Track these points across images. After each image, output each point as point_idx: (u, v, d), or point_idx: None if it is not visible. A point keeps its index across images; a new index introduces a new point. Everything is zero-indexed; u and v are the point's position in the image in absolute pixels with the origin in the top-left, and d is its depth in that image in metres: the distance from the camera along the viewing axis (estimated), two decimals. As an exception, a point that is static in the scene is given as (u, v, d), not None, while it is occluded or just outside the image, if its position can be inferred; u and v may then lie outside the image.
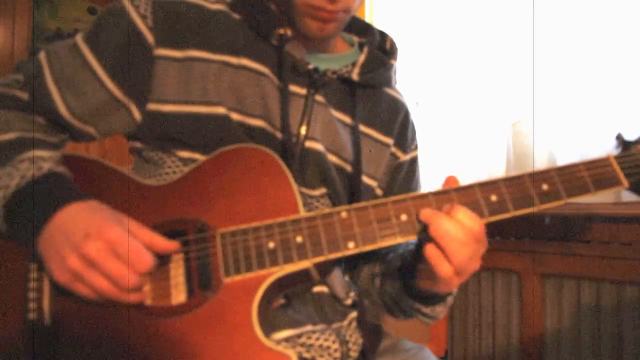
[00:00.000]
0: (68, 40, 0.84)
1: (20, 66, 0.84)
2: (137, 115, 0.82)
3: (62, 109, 0.81)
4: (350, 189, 0.88)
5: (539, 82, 1.85)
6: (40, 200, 0.70)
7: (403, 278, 0.83)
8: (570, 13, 1.78)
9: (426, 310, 0.84)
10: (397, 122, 0.96)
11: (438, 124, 2.14)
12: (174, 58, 0.80)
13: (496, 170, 1.94)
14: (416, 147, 1.01)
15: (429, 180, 2.06)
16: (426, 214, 0.71)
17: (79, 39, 0.83)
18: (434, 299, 0.81)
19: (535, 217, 1.83)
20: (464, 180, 0.75)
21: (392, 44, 0.97)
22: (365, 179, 0.90)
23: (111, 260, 0.65)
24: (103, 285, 0.65)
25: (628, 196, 1.63)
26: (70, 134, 0.86)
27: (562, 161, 1.53)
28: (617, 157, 0.76)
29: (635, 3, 1.63)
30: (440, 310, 0.84)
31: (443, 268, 0.69)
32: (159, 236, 0.70)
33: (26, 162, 0.72)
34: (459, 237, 0.68)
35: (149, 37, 0.80)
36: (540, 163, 1.82)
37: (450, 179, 0.75)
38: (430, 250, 0.70)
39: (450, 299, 0.84)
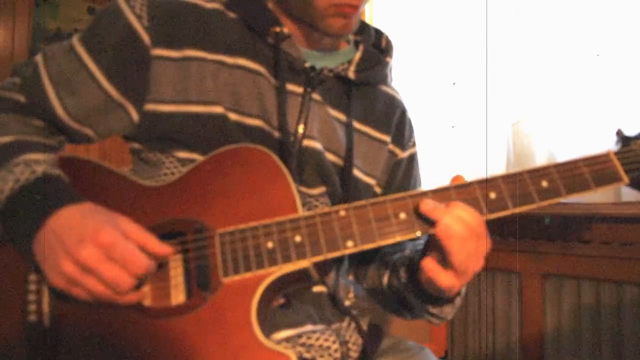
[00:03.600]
0: (65, 41, 0.84)
1: (18, 69, 0.84)
2: (134, 115, 0.82)
3: (60, 111, 0.81)
4: (342, 185, 0.87)
5: (539, 82, 1.85)
6: (35, 203, 0.69)
7: (410, 280, 0.83)
8: (570, 13, 1.77)
9: (434, 310, 0.83)
10: (393, 120, 0.96)
11: (438, 124, 2.14)
12: (171, 58, 0.80)
13: (496, 170, 1.93)
14: (414, 144, 1.00)
15: (430, 180, 2.06)
16: (427, 205, 0.71)
17: (75, 40, 0.83)
18: (442, 300, 0.80)
19: (535, 217, 1.83)
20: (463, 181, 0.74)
21: (388, 42, 0.97)
22: (362, 177, 0.90)
23: (105, 264, 0.64)
24: (99, 289, 0.65)
25: (628, 196, 1.62)
26: (68, 136, 0.85)
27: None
28: (617, 153, 0.75)
29: (634, 2, 1.63)
30: (449, 312, 0.84)
31: (442, 279, 0.70)
32: (153, 238, 0.69)
33: (21, 166, 0.72)
34: (460, 234, 0.68)
35: (145, 38, 0.80)
36: (541, 163, 1.81)
37: (457, 178, 0.75)
38: (427, 263, 0.70)
39: (458, 300, 0.83)
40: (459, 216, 0.69)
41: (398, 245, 0.87)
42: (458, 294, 0.81)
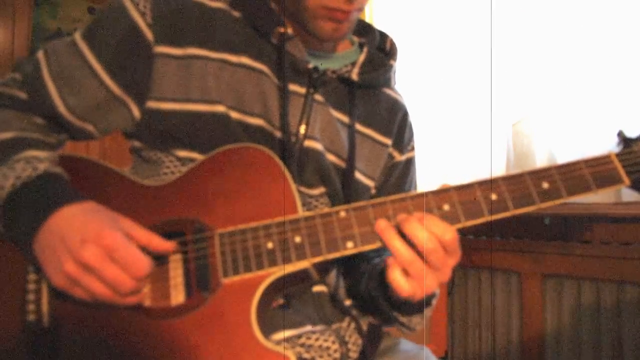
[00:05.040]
0: (67, 37, 0.84)
1: (19, 65, 0.84)
2: (136, 113, 0.82)
3: (61, 107, 0.81)
4: (343, 186, 0.87)
5: (540, 82, 1.85)
6: (35, 202, 0.69)
7: (381, 286, 0.82)
8: (570, 13, 1.77)
9: (403, 319, 0.83)
10: (395, 123, 0.95)
11: (438, 124, 2.14)
12: (174, 56, 0.80)
13: (496, 170, 1.94)
14: (413, 148, 1.00)
15: (429, 181, 2.06)
16: (399, 218, 0.70)
17: (77, 36, 0.83)
18: (410, 308, 0.80)
19: (535, 218, 1.83)
20: (464, 181, 0.74)
21: (392, 45, 0.97)
22: (363, 179, 0.90)
23: (108, 265, 0.64)
24: (100, 290, 0.65)
25: (628, 196, 1.62)
26: (70, 133, 0.85)
27: (562, 161, 1.53)
28: (618, 155, 0.75)
29: (634, 2, 1.63)
30: (418, 322, 0.83)
31: (403, 285, 0.68)
32: (156, 236, 0.69)
33: (22, 163, 0.72)
34: (425, 245, 0.67)
35: (148, 35, 0.80)
36: (541, 163, 1.82)
37: (444, 187, 0.74)
38: (389, 262, 0.69)
39: (429, 311, 0.83)
40: (429, 229, 0.68)
41: (381, 250, 0.86)
42: (428, 304, 0.81)
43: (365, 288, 0.86)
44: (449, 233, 0.68)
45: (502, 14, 1.97)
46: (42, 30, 2.67)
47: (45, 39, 2.64)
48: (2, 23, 2.59)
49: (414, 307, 0.79)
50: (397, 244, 0.68)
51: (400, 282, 0.68)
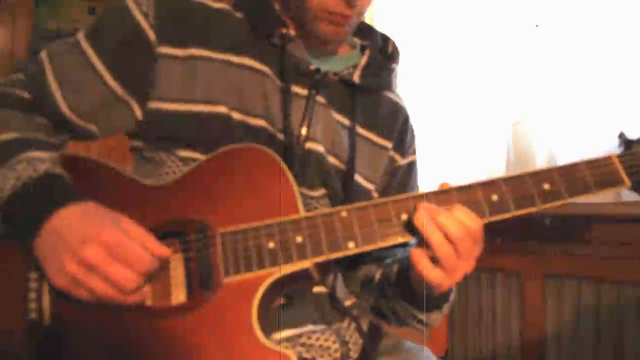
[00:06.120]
0: (69, 38, 0.84)
1: (21, 66, 0.84)
2: (138, 113, 0.82)
3: (64, 107, 0.81)
4: (343, 189, 0.87)
5: (540, 82, 1.85)
6: (36, 202, 0.69)
7: (400, 283, 0.82)
8: (571, 13, 1.78)
9: (421, 316, 0.82)
10: (396, 126, 0.96)
11: (438, 124, 2.14)
12: (176, 56, 0.80)
13: (496, 170, 1.94)
14: (414, 152, 1.00)
15: (429, 181, 2.06)
16: (425, 207, 0.70)
17: (80, 36, 0.83)
18: (429, 304, 0.80)
19: (535, 218, 1.83)
20: (464, 181, 0.74)
21: (394, 48, 0.97)
22: (363, 182, 0.90)
23: (110, 263, 0.64)
24: (103, 289, 0.65)
25: (628, 196, 1.62)
26: (72, 133, 0.85)
27: (562, 161, 1.53)
28: (619, 156, 0.75)
29: (635, 2, 1.63)
30: (435, 318, 0.83)
31: (433, 274, 0.69)
32: (153, 239, 0.69)
33: (23, 163, 0.71)
34: (454, 233, 0.67)
35: (151, 35, 0.80)
36: (541, 163, 1.82)
37: (443, 186, 0.74)
38: (415, 255, 0.69)
39: (446, 307, 0.83)
40: (457, 217, 0.68)
41: (389, 249, 0.86)
42: (446, 300, 0.81)
43: (380, 286, 0.87)
44: (475, 221, 0.69)
45: (502, 14, 1.97)
46: (42, 30, 2.66)
47: (45, 38, 2.64)
48: (2, 23, 2.59)
49: (433, 303, 0.80)
50: (438, 238, 0.68)
51: (431, 271, 0.69)
